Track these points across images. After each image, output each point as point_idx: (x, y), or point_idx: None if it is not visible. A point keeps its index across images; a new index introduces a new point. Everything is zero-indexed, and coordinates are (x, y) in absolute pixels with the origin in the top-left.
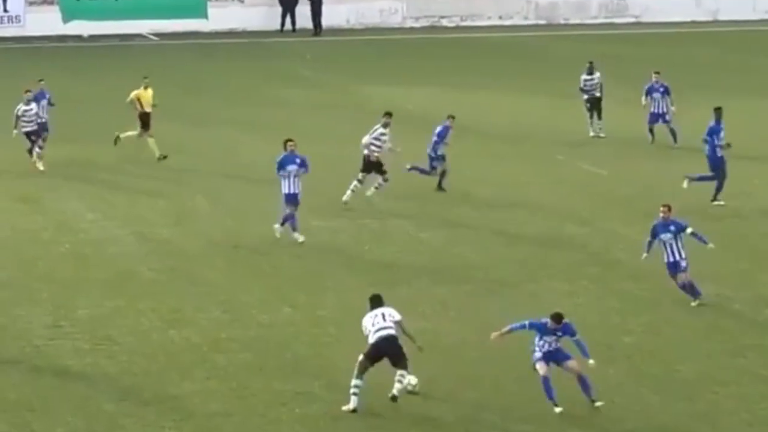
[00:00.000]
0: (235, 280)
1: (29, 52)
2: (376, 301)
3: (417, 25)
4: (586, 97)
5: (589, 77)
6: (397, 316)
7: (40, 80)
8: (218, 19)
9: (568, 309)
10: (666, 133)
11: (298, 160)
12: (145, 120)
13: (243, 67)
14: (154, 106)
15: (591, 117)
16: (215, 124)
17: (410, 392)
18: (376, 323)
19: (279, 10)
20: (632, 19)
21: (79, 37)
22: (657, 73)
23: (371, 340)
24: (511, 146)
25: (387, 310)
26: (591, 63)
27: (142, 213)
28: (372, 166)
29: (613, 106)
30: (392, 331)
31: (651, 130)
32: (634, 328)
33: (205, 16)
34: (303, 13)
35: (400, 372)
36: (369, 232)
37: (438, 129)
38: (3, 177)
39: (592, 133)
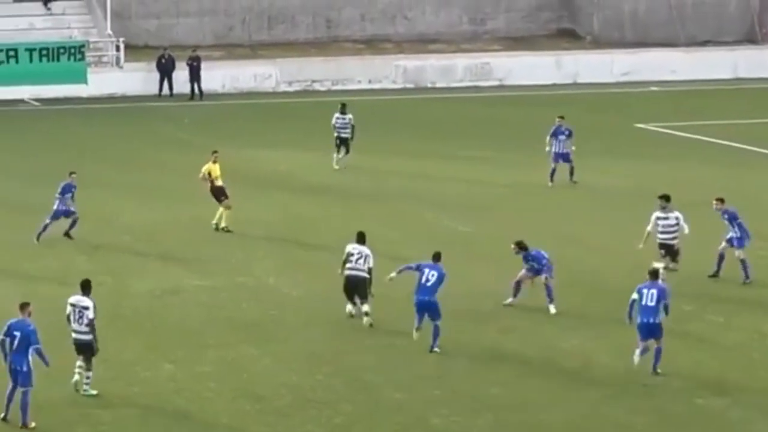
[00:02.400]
0: (116, 338)
1: None
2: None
3: (290, 89)
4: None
5: (341, 116)
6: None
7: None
8: (98, 84)
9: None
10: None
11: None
12: (218, 193)
13: (123, 132)
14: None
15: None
16: (97, 187)
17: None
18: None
19: (157, 75)
20: (496, 83)
21: None
22: (561, 117)
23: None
24: (375, 205)
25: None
26: (343, 104)
27: (26, 270)
28: None
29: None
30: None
31: (553, 171)
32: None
33: (85, 81)
34: (180, 78)
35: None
36: (246, 290)
37: None
38: None
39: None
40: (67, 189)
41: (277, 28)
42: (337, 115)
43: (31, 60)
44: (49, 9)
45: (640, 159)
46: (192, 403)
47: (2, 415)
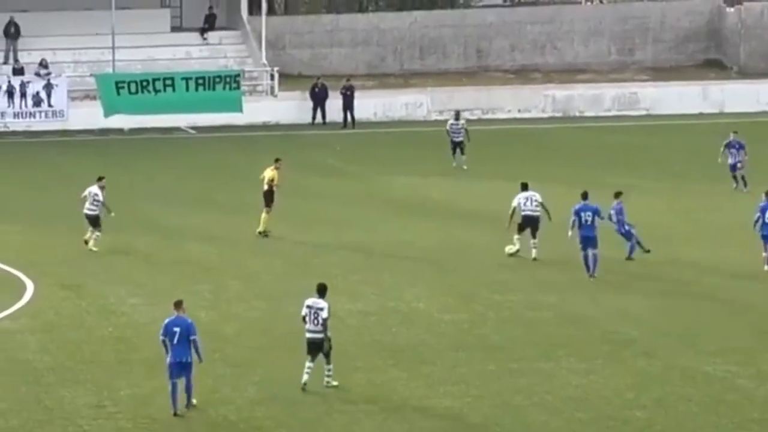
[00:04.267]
0: (270, 360)
1: (72, 145)
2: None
3: (441, 117)
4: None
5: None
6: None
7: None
8: (253, 112)
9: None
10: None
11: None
12: (270, 198)
13: (275, 155)
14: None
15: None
16: (251, 213)
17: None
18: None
19: (310, 104)
20: (643, 112)
21: (120, 131)
22: (735, 132)
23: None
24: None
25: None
26: (458, 112)
27: (181, 297)
28: None
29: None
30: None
31: (734, 177)
32: (646, 403)
33: (240, 110)
34: (332, 107)
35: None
36: (396, 314)
37: (614, 210)
38: (45, 264)
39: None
40: None
41: (428, 57)
42: (451, 121)
43: (187, 89)
44: (205, 39)
45: None
46: (342, 426)
47: (173, 411)
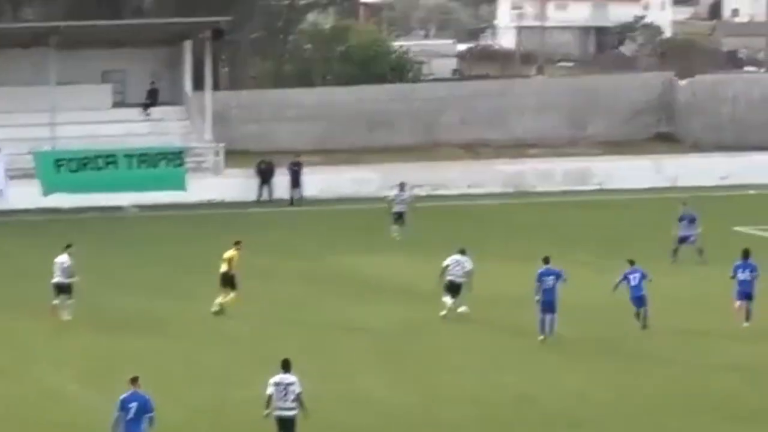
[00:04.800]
0: None
1: (10, 225)
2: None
3: (391, 194)
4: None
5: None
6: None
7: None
8: (197, 190)
9: None
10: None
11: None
12: (228, 281)
13: (221, 239)
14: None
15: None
16: (196, 295)
17: None
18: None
19: (257, 181)
20: (595, 187)
21: (59, 210)
22: (684, 204)
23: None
24: (490, 310)
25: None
26: (403, 183)
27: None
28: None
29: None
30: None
31: (675, 251)
32: None
33: (184, 188)
34: (279, 184)
35: None
36: (346, 397)
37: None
38: None
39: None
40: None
41: (377, 132)
42: (395, 192)
43: (130, 166)
44: (148, 114)
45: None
46: None
47: None
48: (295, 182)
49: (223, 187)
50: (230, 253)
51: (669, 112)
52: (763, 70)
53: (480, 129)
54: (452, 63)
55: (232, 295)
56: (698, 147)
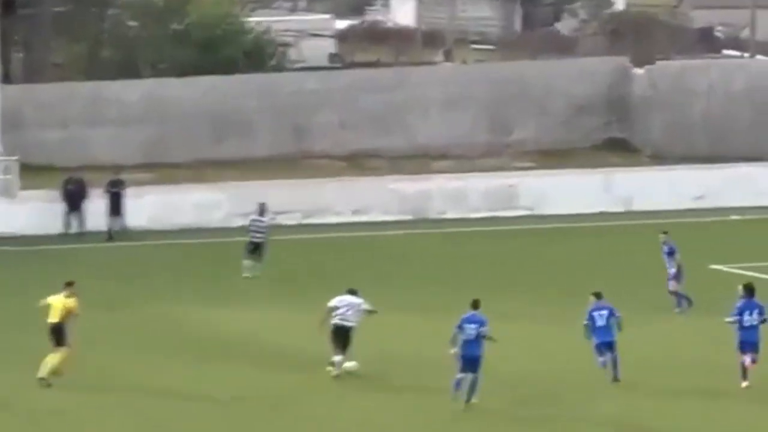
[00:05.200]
0: None
1: None
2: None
3: (245, 222)
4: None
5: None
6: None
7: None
8: None
9: None
10: None
11: None
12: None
13: (15, 284)
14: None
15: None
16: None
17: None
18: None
19: (61, 207)
20: (524, 212)
21: None
22: (665, 233)
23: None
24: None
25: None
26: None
27: None
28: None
29: None
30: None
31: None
32: None
33: None
34: (94, 211)
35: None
36: None
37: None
38: None
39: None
40: None
41: (228, 139)
42: (254, 217)
43: None
44: None
45: (715, 315)
46: None
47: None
48: (115, 209)
49: (16, 215)
50: (59, 300)
51: (622, 110)
52: (746, 54)
53: (367, 134)
54: (329, 45)
55: (53, 355)
56: (661, 157)
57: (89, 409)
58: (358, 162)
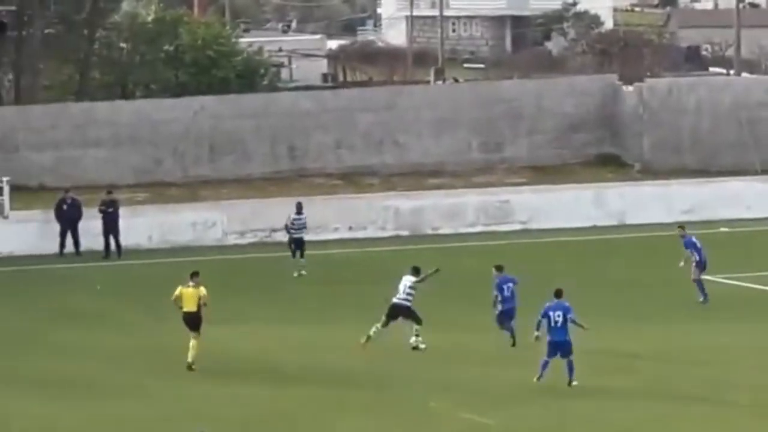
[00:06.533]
0: None
1: None
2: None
3: (242, 241)
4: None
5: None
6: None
7: None
8: None
9: None
10: None
11: None
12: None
13: (10, 306)
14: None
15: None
16: None
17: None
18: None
19: (56, 227)
20: (518, 226)
21: None
22: (681, 227)
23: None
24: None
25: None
26: (300, 203)
27: None
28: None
29: None
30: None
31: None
32: None
33: None
34: (90, 230)
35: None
36: None
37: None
38: None
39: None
40: None
41: (222, 159)
42: (293, 216)
43: None
44: None
45: (704, 322)
46: None
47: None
48: (110, 228)
49: (10, 236)
50: (190, 290)
51: (612, 127)
52: (732, 71)
53: (362, 153)
54: (322, 66)
55: (193, 341)
56: (651, 172)
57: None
58: (352, 180)
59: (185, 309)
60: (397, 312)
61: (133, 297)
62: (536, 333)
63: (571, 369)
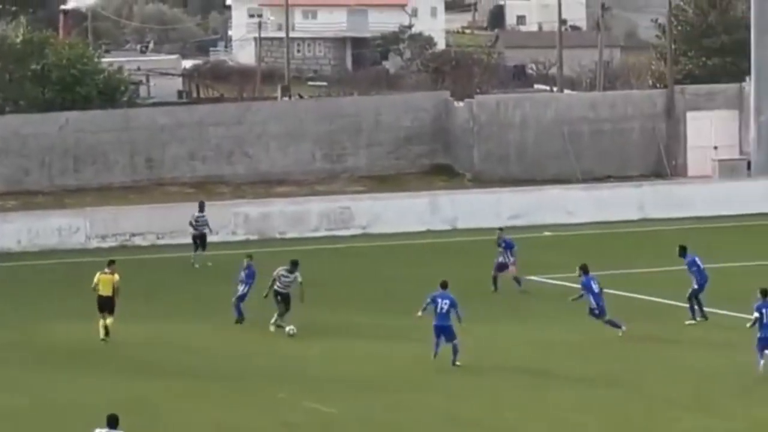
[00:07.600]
0: None
1: None
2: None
3: (104, 244)
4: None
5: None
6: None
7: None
8: None
9: None
10: None
11: None
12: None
13: None
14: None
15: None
16: None
17: None
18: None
19: None
20: (359, 231)
21: None
22: (501, 229)
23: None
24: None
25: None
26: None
27: None
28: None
29: None
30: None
31: (495, 279)
32: None
33: None
34: None
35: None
36: None
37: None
38: None
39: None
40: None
41: (85, 170)
42: (196, 213)
43: None
44: None
45: (527, 321)
46: None
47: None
48: None
49: None
50: (106, 276)
51: (445, 139)
52: (556, 88)
53: (214, 163)
54: (177, 83)
55: (105, 321)
56: (481, 181)
57: None
58: (205, 188)
59: (101, 293)
60: (281, 298)
61: (4, 297)
62: (419, 313)
63: (455, 351)
